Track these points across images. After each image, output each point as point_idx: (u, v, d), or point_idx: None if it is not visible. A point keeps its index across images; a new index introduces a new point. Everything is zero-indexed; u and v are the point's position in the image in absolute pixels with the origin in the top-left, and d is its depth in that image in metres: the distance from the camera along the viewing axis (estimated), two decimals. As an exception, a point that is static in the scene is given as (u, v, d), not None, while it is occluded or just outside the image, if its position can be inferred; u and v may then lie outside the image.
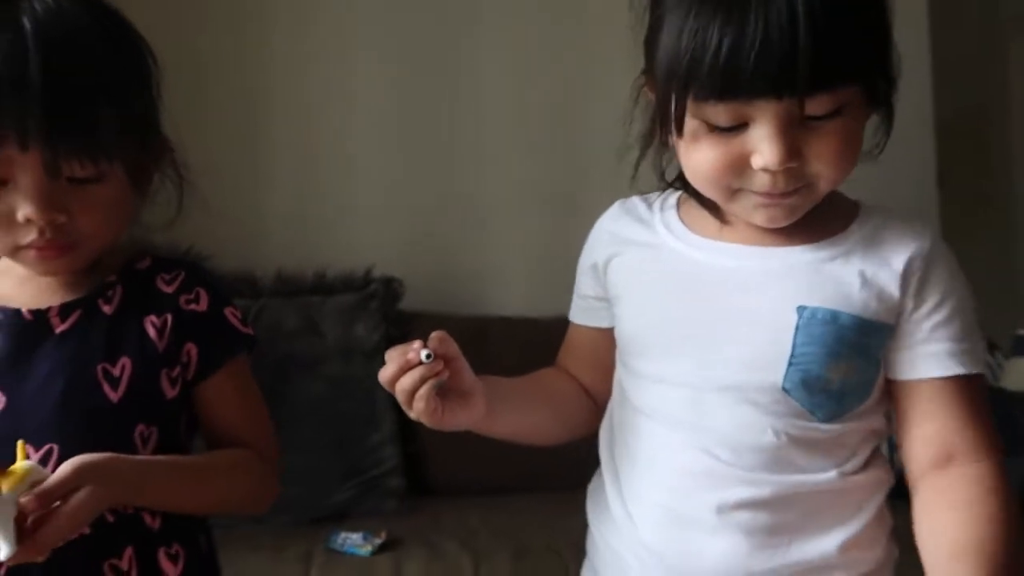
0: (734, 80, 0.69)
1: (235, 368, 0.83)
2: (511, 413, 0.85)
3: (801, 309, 0.76)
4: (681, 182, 0.84)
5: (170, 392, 0.79)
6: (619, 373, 0.87)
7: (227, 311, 0.83)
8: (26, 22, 0.70)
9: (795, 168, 0.73)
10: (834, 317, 0.76)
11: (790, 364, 0.75)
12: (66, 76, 0.71)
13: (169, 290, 0.80)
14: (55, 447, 0.73)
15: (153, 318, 0.79)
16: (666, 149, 0.82)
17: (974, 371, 0.78)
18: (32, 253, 0.74)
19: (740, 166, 0.73)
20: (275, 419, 1.73)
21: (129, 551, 0.76)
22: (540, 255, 2.04)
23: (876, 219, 0.81)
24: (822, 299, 0.76)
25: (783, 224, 0.77)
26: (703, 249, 0.82)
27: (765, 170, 0.72)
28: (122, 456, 0.71)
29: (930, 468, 0.77)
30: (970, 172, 2.54)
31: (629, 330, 0.84)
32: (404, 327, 1.93)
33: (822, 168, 0.74)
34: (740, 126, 0.72)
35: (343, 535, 1.50)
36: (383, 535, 1.51)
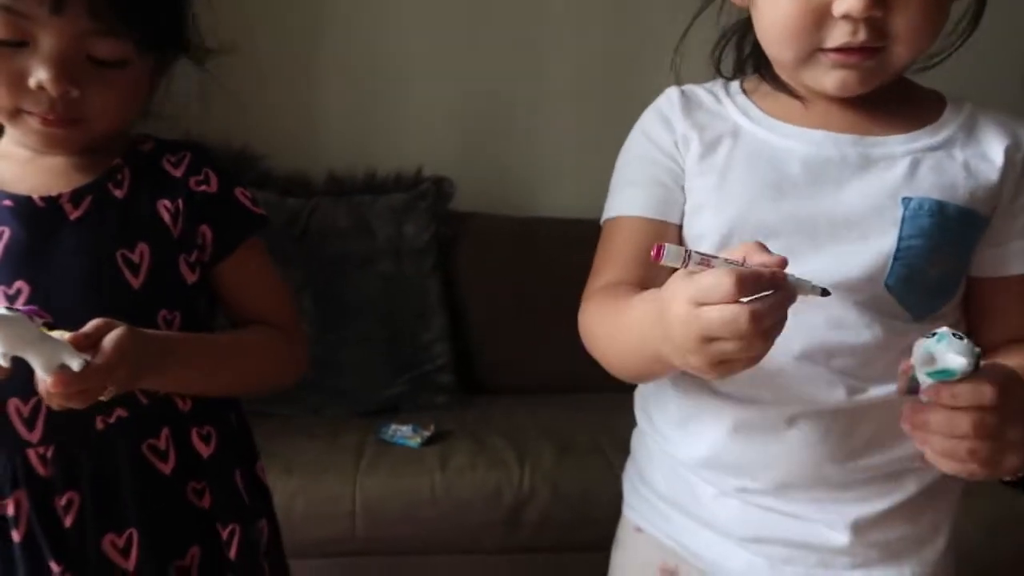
0: None
1: (251, 248, 0.82)
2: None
3: (906, 200, 0.71)
4: (752, 63, 0.79)
5: (190, 277, 0.78)
6: None
7: (237, 191, 0.81)
8: None
9: (878, 19, 0.68)
10: (941, 208, 0.71)
11: (895, 259, 0.71)
12: None
13: (177, 172, 0.78)
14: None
15: (166, 202, 0.77)
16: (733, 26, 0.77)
17: None
18: (35, 120, 0.71)
19: (821, 15, 0.68)
20: (328, 315, 1.78)
21: (165, 431, 0.77)
22: (590, 155, 1.99)
23: (967, 109, 0.76)
24: (928, 189, 0.72)
25: (856, 92, 0.72)
26: (792, 137, 0.76)
27: (847, 17, 0.67)
28: (145, 330, 0.70)
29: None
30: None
31: (704, 228, 0.77)
32: (454, 227, 1.94)
33: (903, 26, 0.68)
34: None
35: (393, 427, 1.56)
36: (431, 428, 1.56)
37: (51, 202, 0.74)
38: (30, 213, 0.74)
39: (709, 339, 0.57)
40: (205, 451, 0.80)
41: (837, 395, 0.73)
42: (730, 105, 0.80)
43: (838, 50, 0.70)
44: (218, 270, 0.80)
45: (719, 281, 0.55)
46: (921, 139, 0.74)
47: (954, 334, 0.61)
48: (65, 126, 0.72)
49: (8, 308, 0.62)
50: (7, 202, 0.74)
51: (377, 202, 1.88)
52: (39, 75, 0.68)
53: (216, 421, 0.81)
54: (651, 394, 0.86)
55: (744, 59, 0.81)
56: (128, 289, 0.74)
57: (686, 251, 0.57)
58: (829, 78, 0.72)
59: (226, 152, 1.80)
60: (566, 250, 1.44)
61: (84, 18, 0.68)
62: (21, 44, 0.68)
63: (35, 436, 0.72)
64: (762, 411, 0.75)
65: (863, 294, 0.72)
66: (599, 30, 2.11)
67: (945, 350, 0.60)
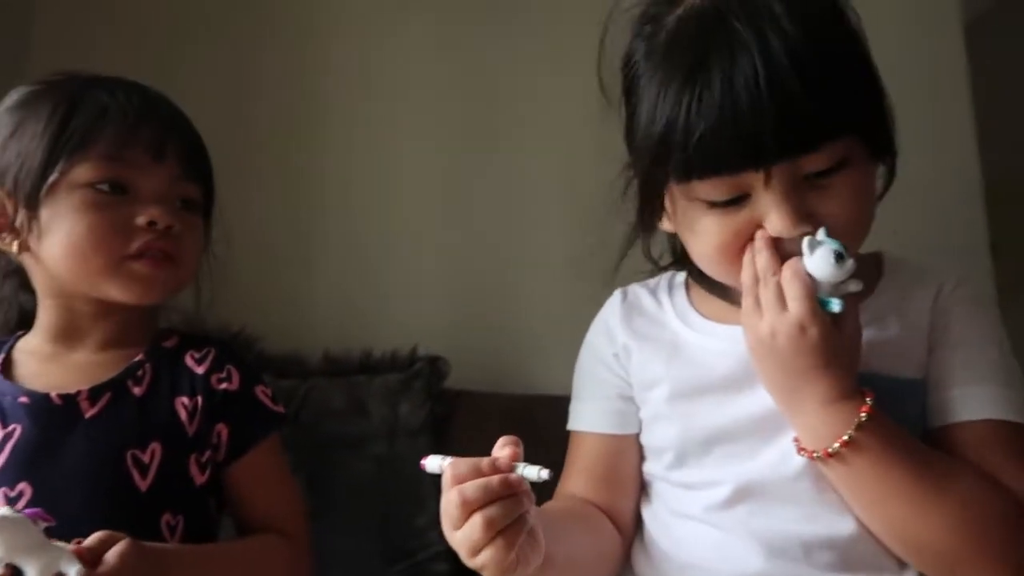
0: (714, 157, 0.67)
1: (266, 447, 0.82)
2: (562, 547, 0.73)
3: None
4: (684, 265, 0.81)
5: (199, 479, 0.78)
6: (655, 485, 0.81)
7: (258, 389, 0.82)
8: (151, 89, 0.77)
9: (810, 231, 0.71)
10: (874, 381, 0.72)
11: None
12: (187, 121, 0.78)
13: (200, 369, 0.79)
14: (82, 539, 0.71)
15: (184, 399, 0.78)
16: (653, 234, 0.80)
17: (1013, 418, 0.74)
18: (142, 264, 0.75)
19: (746, 236, 0.71)
20: (321, 499, 1.73)
21: None
22: (585, 332, 2.03)
23: (903, 275, 0.78)
24: (863, 365, 0.73)
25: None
26: (727, 339, 0.78)
27: (780, 238, 0.70)
28: (147, 544, 0.70)
29: None
30: (1024, 239, 2.48)
31: (663, 441, 0.79)
32: (449, 405, 1.92)
33: (837, 226, 0.71)
34: (741, 197, 0.69)
35: (389, 622, 1.47)
36: (429, 622, 1.47)
37: (69, 399, 0.76)
38: (46, 410, 0.75)
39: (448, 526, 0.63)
40: None
41: None
42: (670, 310, 0.83)
43: None
44: (231, 470, 0.81)
45: (445, 475, 0.64)
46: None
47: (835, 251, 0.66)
48: (166, 267, 0.76)
49: (12, 511, 0.60)
50: (23, 399, 0.75)
51: (372, 382, 1.87)
52: (149, 212, 0.74)
53: None
54: None
55: (679, 252, 0.84)
56: (135, 491, 0.74)
57: (443, 458, 0.65)
58: None
59: (224, 335, 1.81)
60: (561, 427, 1.42)
61: (176, 165, 0.76)
62: (123, 191, 0.72)
63: None
64: None
65: (827, 479, 0.72)
66: (590, 211, 2.19)
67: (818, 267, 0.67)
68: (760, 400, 0.73)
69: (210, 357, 0.81)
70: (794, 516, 0.72)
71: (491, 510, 0.60)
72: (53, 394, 0.76)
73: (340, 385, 1.85)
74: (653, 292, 0.84)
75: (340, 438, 1.78)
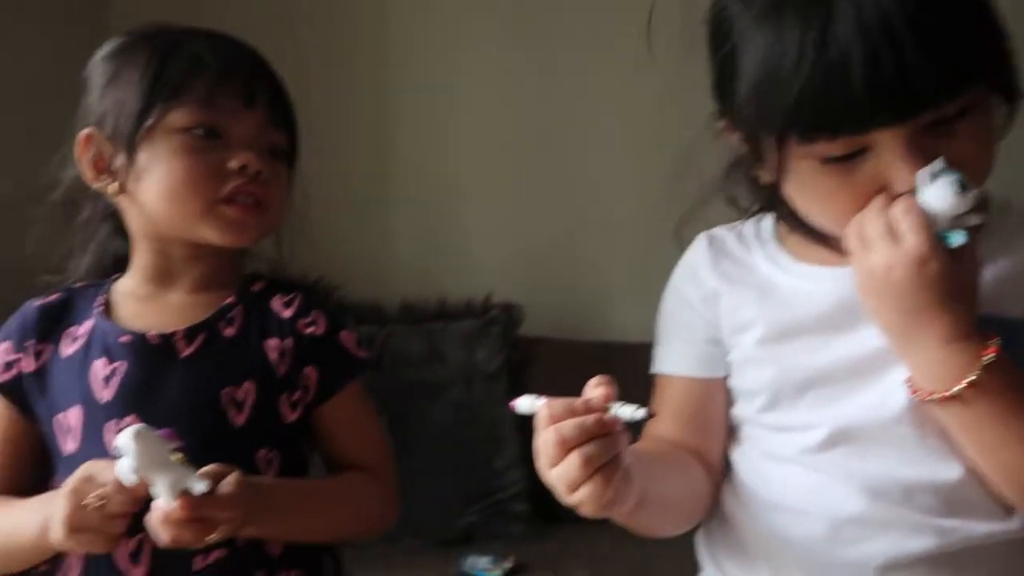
0: (835, 115, 0.62)
1: (353, 391, 0.84)
2: (655, 486, 0.71)
3: None
4: (777, 212, 0.78)
5: (290, 416, 0.80)
6: (744, 428, 0.79)
7: (343, 335, 0.83)
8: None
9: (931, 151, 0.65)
10: (994, 322, 0.68)
11: None
12: (276, 74, 0.81)
13: (287, 313, 0.81)
14: None
15: (274, 342, 0.80)
16: (756, 186, 0.77)
17: None
18: (233, 209, 0.77)
19: (871, 194, 0.66)
20: (402, 444, 1.78)
21: (258, 575, 0.78)
22: (660, 277, 2.01)
23: (1010, 216, 0.74)
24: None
25: None
26: (823, 279, 0.74)
27: (898, 196, 0.66)
28: (252, 476, 0.73)
29: None
30: None
31: (755, 384, 0.77)
32: (524, 352, 1.94)
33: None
34: (860, 151, 0.65)
35: (471, 558, 1.52)
36: (511, 560, 1.51)
37: (166, 339, 0.78)
38: (145, 349, 0.78)
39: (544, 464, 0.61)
40: None
41: (925, 542, 0.68)
42: (759, 253, 0.79)
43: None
44: (319, 412, 0.82)
45: (539, 414, 0.61)
46: None
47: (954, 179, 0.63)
48: (256, 213, 0.78)
49: (147, 428, 0.63)
50: (125, 338, 0.78)
51: (448, 329, 1.90)
52: (241, 156, 0.76)
53: (305, 565, 0.81)
54: (718, 535, 0.82)
55: (760, 192, 0.80)
56: (231, 427, 0.77)
57: (535, 398, 0.63)
58: None
59: (305, 284, 1.86)
60: (638, 374, 1.41)
61: (265, 112, 0.78)
62: (216, 138, 0.76)
63: (139, 572, 0.73)
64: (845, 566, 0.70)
65: (931, 423, 0.68)
66: (655, 157, 2.16)
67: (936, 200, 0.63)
68: (860, 341, 0.71)
69: (297, 302, 0.82)
70: (894, 460, 0.69)
71: (588, 448, 0.59)
72: (151, 333, 0.79)
73: (417, 332, 1.89)
74: (740, 236, 0.81)
75: (418, 384, 1.83)
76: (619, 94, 2.15)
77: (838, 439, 0.71)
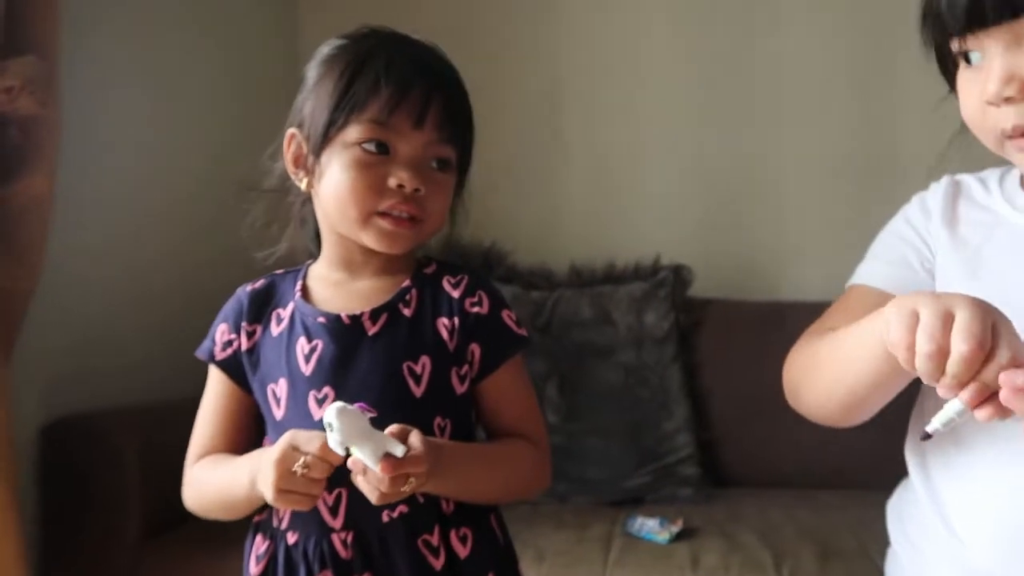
0: (955, 15, 0.68)
1: (512, 365, 0.89)
2: None
3: None
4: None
5: (459, 389, 0.86)
6: None
7: (504, 313, 0.89)
8: (426, 52, 0.89)
9: (1017, 99, 0.66)
10: None
11: None
12: (455, 86, 0.88)
13: (456, 294, 0.88)
14: None
15: (444, 320, 0.87)
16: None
17: None
18: (388, 221, 0.84)
19: (985, 102, 0.69)
20: (572, 406, 1.82)
21: (437, 528, 0.84)
22: (837, 234, 1.91)
23: None
24: None
25: None
26: None
27: (989, 103, 0.68)
28: (430, 437, 0.79)
29: None
30: None
31: None
32: (694, 314, 1.91)
33: None
34: (983, 56, 0.69)
35: (640, 520, 1.53)
36: (679, 523, 1.51)
37: (355, 320, 0.87)
38: (339, 329, 0.86)
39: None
40: (463, 552, 0.85)
41: None
42: (997, 195, 0.76)
43: (1013, 135, 0.69)
44: (482, 385, 0.89)
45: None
46: None
47: None
48: (409, 226, 0.85)
49: (345, 404, 0.71)
50: (321, 319, 0.87)
51: (617, 292, 1.90)
52: (400, 175, 0.83)
53: (473, 524, 0.87)
54: (899, 503, 0.79)
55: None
56: (412, 396, 0.84)
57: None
58: (1021, 158, 0.71)
59: (477, 250, 1.93)
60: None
61: (433, 131, 0.84)
62: (384, 153, 0.84)
63: (337, 523, 0.83)
64: None
65: None
66: (845, 104, 2.04)
67: None
68: None
69: (464, 283, 0.89)
70: None
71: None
72: (343, 315, 0.88)
73: (586, 295, 1.90)
74: (982, 181, 0.79)
75: (589, 346, 1.85)
76: (801, 29, 2.05)
77: None
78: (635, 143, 2.14)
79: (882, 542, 0.86)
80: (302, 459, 0.74)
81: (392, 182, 0.83)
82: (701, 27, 2.11)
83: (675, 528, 1.49)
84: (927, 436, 0.61)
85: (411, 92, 0.83)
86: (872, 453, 1.28)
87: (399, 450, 0.72)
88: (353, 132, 0.83)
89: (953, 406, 0.59)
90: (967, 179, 0.81)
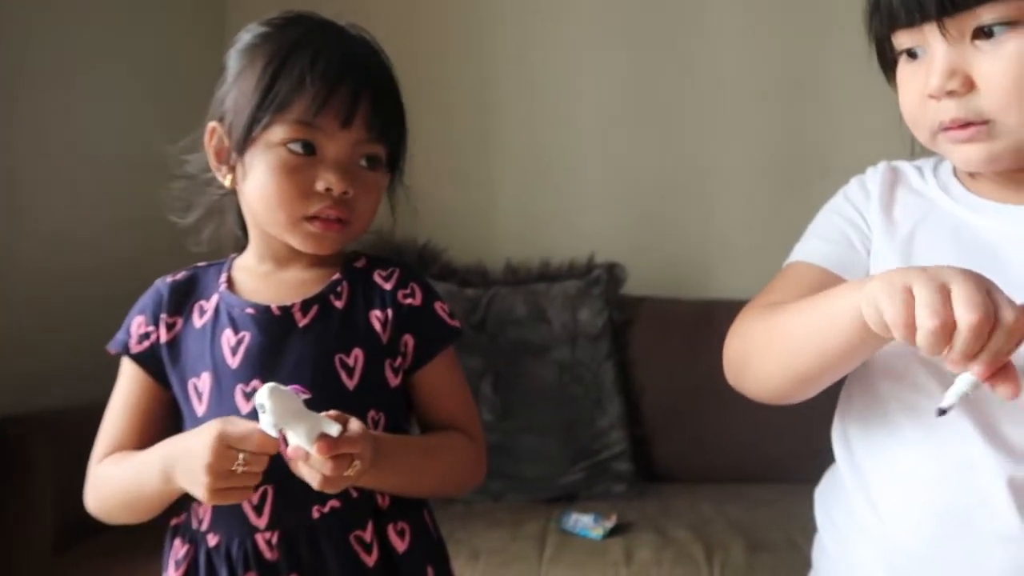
0: (896, 9, 0.70)
1: (446, 357, 0.88)
2: None
3: None
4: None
5: (393, 381, 0.85)
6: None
7: (437, 305, 0.88)
8: (356, 45, 0.85)
9: (959, 92, 0.68)
10: None
11: None
12: (386, 80, 0.85)
13: (388, 286, 0.86)
14: None
15: (377, 312, 0.85)
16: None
17: None
18: (316, 224, 0.81)
19: (925, 95, 0.71)
20: (506, 403, 1.81)
21: (370, 524, 0.82)
22: (766, 233, 1.95)
23: None
24: None
25: (979, 168, 0.71)
26: (992, 214, 0.73)
27: (931, 96, 0.69)
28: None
29: None
30: None
31: None
32: (628, 312, 1.93)
33: (992, 98, 0.67)
34: (923, 50, 0.71)
35: (575, 516, 1.54)
36: (613, 518, 1.52)
37: (285, 311, 0.84)
38: (268, 320, 0.84)
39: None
40: (401, 546, 0.83)
41: None
42: (932, 182, 0.78)
43: (945, 129, 0.70)
44: (416, 377, 0.88)
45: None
46: None
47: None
48: (338, 228, 0.83)
49: (278, 384, 0.68)
50: (249, 310, 0.85)
51: (551, 289, 1.91)
52: (327, 178, 0.81)
53: (409, 517, 0.85)
54: (826, 491, 0.81)
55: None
56: (344, 389, 0.82)
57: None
58: (955, 154, 0.72)
59: (412, 247, 1.91)
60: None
61: (362, 129, 0.81)
62: (311, 154, 0.81)
63: (262, 522, 0.80)
64: None
65: None
66: (772, 107, 2.09)
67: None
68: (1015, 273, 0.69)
69: (396, 276, 0.88)
70: None
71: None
72: (273, 306, 0.86)
73: (521, 293, 1.91)
74: (918, 168, 0.81)
75: (523, 344, 1.85)
76: (721, 52, 2.09)
77: None
78: (569, 142, 2.15)
79: (809, 533, 0.88)
80: (240, 457, 0.71)
81: (320, 185, 0.80)
82: (633, 30, 2.13)
83: (609, 524, 1.51)
84: (942, 412, 0.60)
85: (338, 90, 0.80)
86: (801, 447, 1.31)
87: (334, 429, 0.70)
88: (278, 132, 0.80)
89: (966, 379, 0.59)
90: (904, 165, 0.83)
